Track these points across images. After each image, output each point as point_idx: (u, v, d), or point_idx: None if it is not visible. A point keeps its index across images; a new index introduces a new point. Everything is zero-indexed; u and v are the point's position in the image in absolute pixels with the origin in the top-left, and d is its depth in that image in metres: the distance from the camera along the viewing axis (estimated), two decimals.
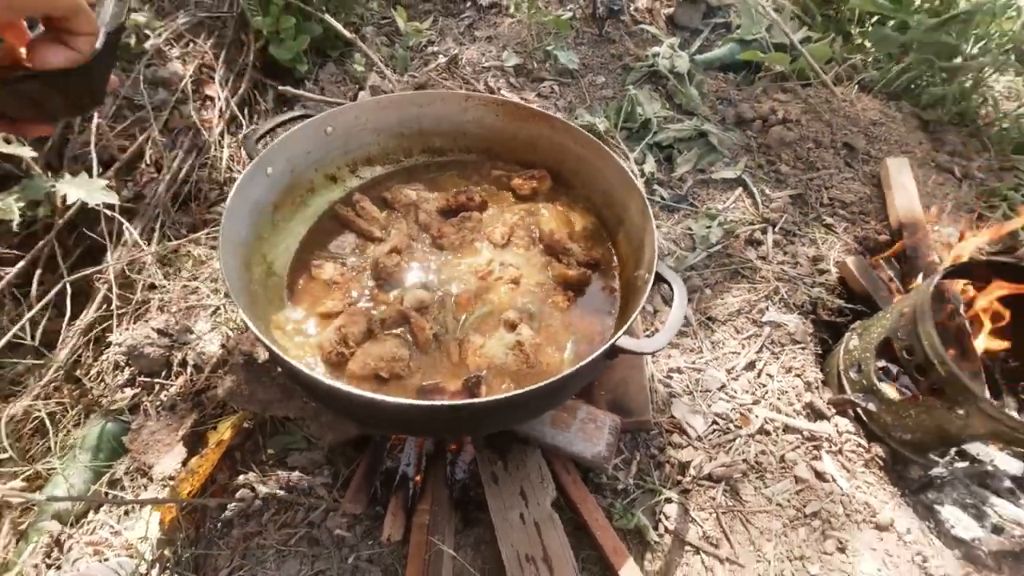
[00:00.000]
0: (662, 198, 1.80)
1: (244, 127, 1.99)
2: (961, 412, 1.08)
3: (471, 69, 2.19)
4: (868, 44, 2.03)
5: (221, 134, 1.92)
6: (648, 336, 1.42)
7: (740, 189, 1.79)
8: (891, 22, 2.09)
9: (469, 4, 2.71)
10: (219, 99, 1.96)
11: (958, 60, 1.89)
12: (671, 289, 1.01)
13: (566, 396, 1.08)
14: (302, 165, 1.26)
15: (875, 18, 2.19)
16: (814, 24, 2.39)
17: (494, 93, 2.07)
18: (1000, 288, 1.20)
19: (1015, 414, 1.31)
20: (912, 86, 2.02)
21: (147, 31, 1.87)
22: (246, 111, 2.05)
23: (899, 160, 1.68)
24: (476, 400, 0.83)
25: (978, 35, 1.90)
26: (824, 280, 1.53)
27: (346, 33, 2.02)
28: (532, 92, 2.18)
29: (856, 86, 2.01)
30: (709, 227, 1.68)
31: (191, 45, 2.05)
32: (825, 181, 1.73)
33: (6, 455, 1.29)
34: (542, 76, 2.22)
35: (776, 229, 1.66)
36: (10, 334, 1.34)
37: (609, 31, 2.38)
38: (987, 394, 1.30)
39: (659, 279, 1.00)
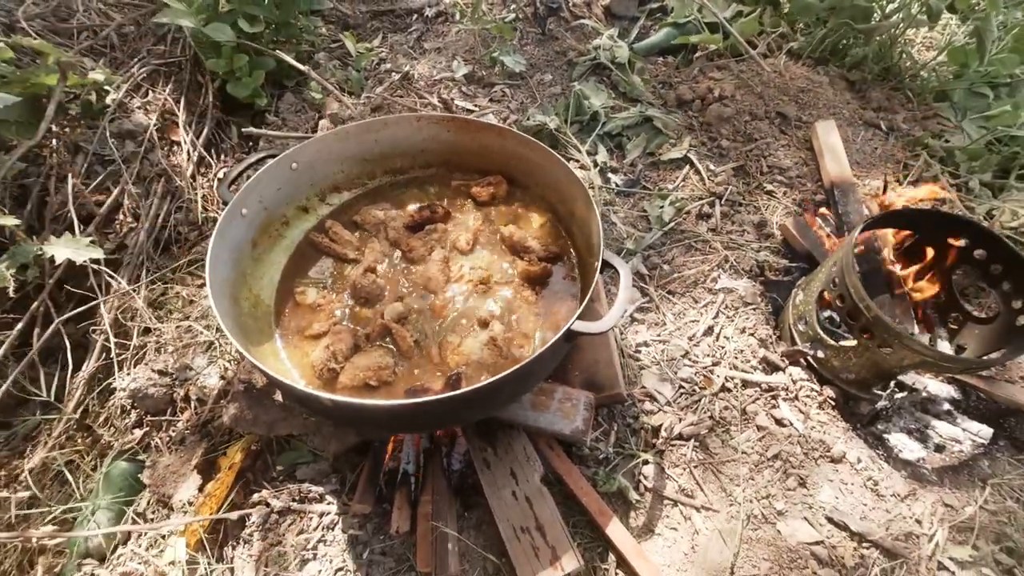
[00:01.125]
0: (616, 185, 1.91)
1: (213, 166, 2.07)
2: (890, 349, 1.21)
3: (424, 83, 2.28)
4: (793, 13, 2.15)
5: (192, 176, 2.00)
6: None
7: (687, 167, 1.91)
8: None
9: (416, 17, 2.78)
10: (185, 143, 2.04)
11: (874, 21, 2.02)
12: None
13: (537, 379, 1.19)
14: (274, 201, 1.35)
15: None
16: None
17: (448, 104, 2.16)
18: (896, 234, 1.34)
19: (946, 347, 1.46)
20: (837, 49, 2.15)
21: (106, 87, 1.94)
22: (213, 151, 2.13)
23: (827, 123, 1.81)
24: (456, 392, 0.94)
25: None
26: (769, 244, 1.66)
27: (298, 65, 2.10)
28: (485, 98, 2.28)
29: (785, 55, 2.14)
30: (662, 207, 1.80)
31: (150, 94, 2.12)
32: (763, 150, 1.86)
33: (32, 501, 1.38)
34: (492, 81, 2.31)
35: (722, 201, 1.78)
36: (43, 395, 1.43)
37: (551, 29, 2.48)
38: (917, 330, 1.44)
39: (606, 265, 1.12)
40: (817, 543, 1.22)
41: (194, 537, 1.30)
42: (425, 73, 2.35)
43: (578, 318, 1.01)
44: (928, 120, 1.97)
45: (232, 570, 1.26)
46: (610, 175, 1.94)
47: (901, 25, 2.01)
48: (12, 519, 1.38)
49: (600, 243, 1.13)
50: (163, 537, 1.35)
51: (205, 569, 1.24)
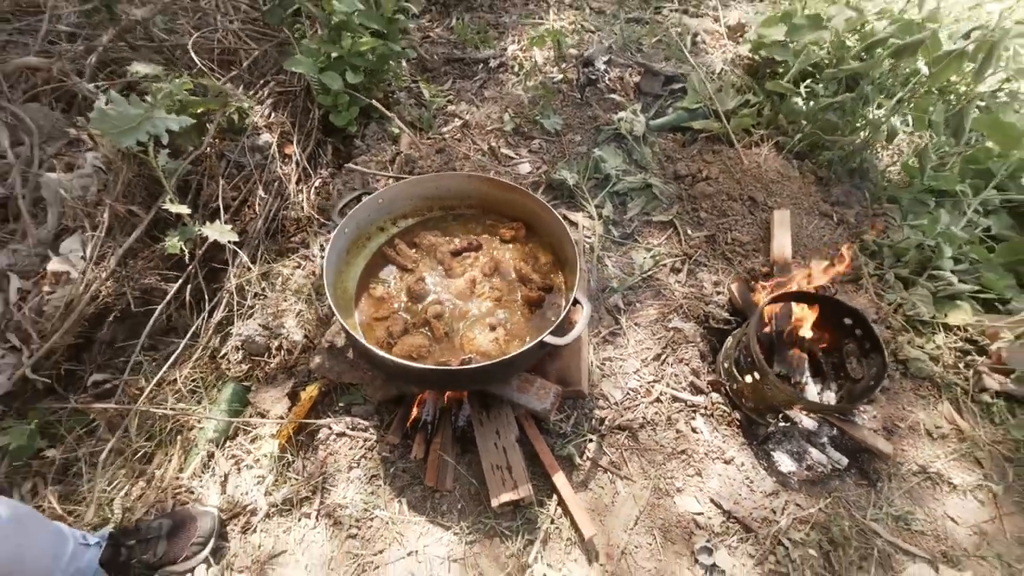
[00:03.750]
0: (614, 236, 2.46)
1: (312, 176, 2.73)
2: (768, 387, 1.73)
3: (479, 131, 2.88)
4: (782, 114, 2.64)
5: (297, 183, 2.66)
6: (607, 339, 2.11)
7: (671, 229, 2.43)
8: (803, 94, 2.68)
9: (481, 66, 3.39)
10: (295, 157, 2.70)
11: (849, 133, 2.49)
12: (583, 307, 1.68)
13: (519, 369, 1.77)
14: (363, 223, 1.97)
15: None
16: (756, 91, 2.99)
17: (495, 151, 2.76)
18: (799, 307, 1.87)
19: (831, 396, 1.95)
20: (815, 148, 2.62)
21: (247, 112, 2.62)
22: (312, 163, 2.79)
23: (783, 212, 2.30)
24: (464, 367, 1.53)
25: (856, 114, 2.49)
26: (717, 300, 2.18)
27: (384, 110, 2.73)
28: (525, 149, 2.86)
29: (772, 147, 2.63)
30: (645, 258, 2.34)
31: (272, 116, 2.80)
32: (731, 225, 2.37)
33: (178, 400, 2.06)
34: (533, 135, 2.89)
35: (691, 261, 2.30)
36: (188, 335, 2.11)
37: (588, 97, 3.03)
38: (809, 379, 1.94)
39: (576, 301, 1.68)
40: (698, 514, 1.75)
41: (283, 439, 1.94)
42: (481, 121, 2.94)
43: (550, 334, 1.58)
44: (876, 218, 2.43)
45: (304, 465, 1.90)
46: (611, 227, 2.49)
47: (865, 137, 2.47)
48: (169, 408, 2.05)
49: (576, 284, 1.69)
50: (260, 438, 2.00)
51: (289, 459, 1.88)
